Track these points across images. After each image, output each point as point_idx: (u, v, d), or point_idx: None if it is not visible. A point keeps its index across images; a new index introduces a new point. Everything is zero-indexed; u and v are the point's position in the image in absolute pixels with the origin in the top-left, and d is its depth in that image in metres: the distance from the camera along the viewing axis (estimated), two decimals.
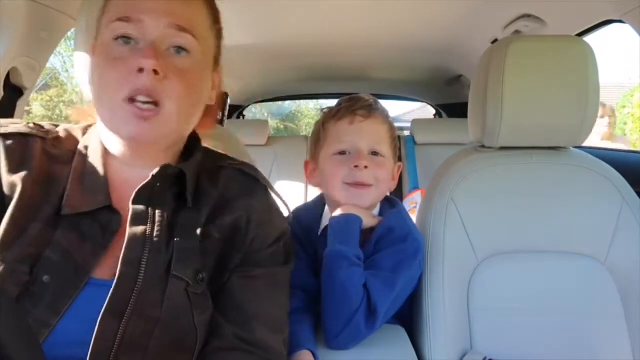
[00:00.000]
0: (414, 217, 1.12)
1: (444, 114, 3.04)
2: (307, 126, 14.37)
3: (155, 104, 0.64)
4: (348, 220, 0.99)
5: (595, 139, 2.95)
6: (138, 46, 0.64)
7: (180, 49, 0.66)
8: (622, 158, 2.05)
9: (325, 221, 1.05)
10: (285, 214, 0.81)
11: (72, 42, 1.05)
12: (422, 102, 3.26)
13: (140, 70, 0.62)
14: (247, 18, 1.81)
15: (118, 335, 0.59)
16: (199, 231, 0.68)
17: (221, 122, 1.43)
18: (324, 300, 0.93)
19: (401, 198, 2.37)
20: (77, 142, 0.73)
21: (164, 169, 0.67)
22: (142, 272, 0.62)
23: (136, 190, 0.66)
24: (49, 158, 0.68)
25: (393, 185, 1.09)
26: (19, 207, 0.63)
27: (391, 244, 0.99)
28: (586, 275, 1.04)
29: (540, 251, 1.06)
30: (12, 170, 0.65)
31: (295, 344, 0.84)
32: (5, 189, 0.64)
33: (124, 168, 0.70)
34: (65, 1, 1.20)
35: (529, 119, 1.05)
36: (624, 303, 1.03)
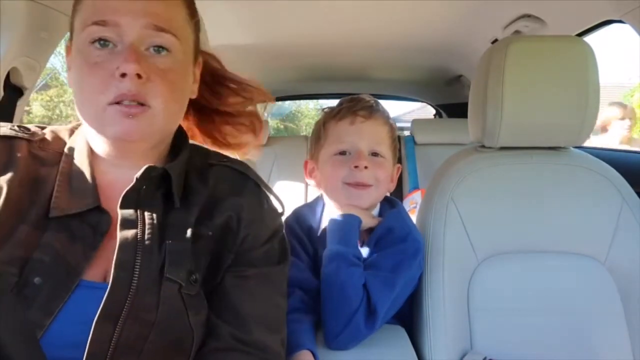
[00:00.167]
0: (414, 217, 1.12)
1: (444, 114, 3.04)
2: (307, 126, 14.38)
3: (141, 104, 0.63)
4: (347, 220, 0.99)
5: (612, 143, 2.71)
6: (116, 49, 0.63)
7: (160, 48, 0.65)
8: (622, 158, 2.05)
9: (325, 221, 1.05)
10: (279, 210, 0.80)
11: None
12: (422, 102, 3.25)
13: (123, 75, 0.61)
14: (247, 18, 1.81)
15: (113, 339, 0.59)
16: (189, 232, 0.68)
17: None
18: (324, 300, 0.93)
19: (401, 198, 2.36)
20: (63, 143, 0.72)
21: (148, 171, 0.66)
22: (136, 276, 0.62)
23: (122, 194, 0.65)
24: (35, 160, 0.68)
25: (392, 186, 1.09)
26: (5, 209, 0.62)
27: (391, 244, 0.99)
28: (586, 275, 1.04)
29: (540, 251, 1.06)
30: None
31: (295, 344, 0.84)
32: None
33: (110, 169, 0.70)
34: (65, 1, 1.20)
35: (529, 119, 1.05)
36: (624, 303, 1.03)
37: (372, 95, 1.11)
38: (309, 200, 1.20)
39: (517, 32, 1.66)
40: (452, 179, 1.08)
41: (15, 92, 1.21)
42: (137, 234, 0.64)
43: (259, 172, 0.80)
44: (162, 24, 0.65)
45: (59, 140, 0.72)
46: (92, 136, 0.69)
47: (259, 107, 0.90)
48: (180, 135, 0.76)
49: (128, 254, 0.63)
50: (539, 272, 1.04)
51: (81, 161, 0.69)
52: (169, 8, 0.67)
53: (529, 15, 1.57)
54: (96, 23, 0.63)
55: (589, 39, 1.51)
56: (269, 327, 0.71)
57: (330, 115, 1.08)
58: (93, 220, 0.65)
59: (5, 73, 1.14)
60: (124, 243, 0.63)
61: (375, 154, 1.04)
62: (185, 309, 0.65)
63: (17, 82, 1.20)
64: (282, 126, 14.57)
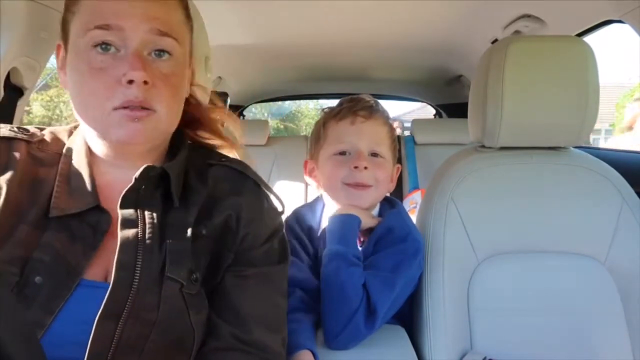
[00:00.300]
0: (414, 217, 1.12)
1: (444, 114, 3.04)
2: (307, 126, 14.37)
3: (145, 108, 0.64)
4: (347, 220, 0.99)
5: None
6: (119, 54, 0.63)
7: (161, 51, 0.66)
8: (622, 158, 2.05)
9: (325, 221, 1.05)
10: (280, 209, 0.80)
11: None
12: (422, 102, 3.25)
13: (130, 82, 0.62)
14: (247, 18, 1.81)
15: (114, 338, 0.59)
16: (189, 231, 0.68)
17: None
18: (324, 300, 0.93)
19: (401, 198, 2.36)
20: (62, 144, 0.72)
21: (146, 171, 0.67)
22: (137, 275, 0.62)
23: (122, 194, 0.65)
24: (34, 161, 0.68)
25: (391, 187, 1.09)
26: (4, 210, 0.62)
27: (391, 244, 0.99)
28: (586, 275, 1.04)
29: (540, 251, 1.06)
30: None
31: (295, 344, 0.84)
32: None
33: (109, 169, 0.70)
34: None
35: (529, 119, 1.05)
36: (624, 303, 1.03)
37: (372, 95, 1.11)
38: (309, 200, 1.20)
39: (517, 32, 1.66)
40: (452, 179, 1.08)
41: (15, 92, 1.21)
42: (137, 233, 0.64)
43: (259, 172, 0.80)
44: (163, 28, 0.65)
45: (57, 141, 0.73)
46: (91, 138, 0.69)
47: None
48: (178, 135, 0.76)
49: (129, 254, 0.63)
50: (539, 272, 1.04)
51: (80, 161, 0.69)
52: (168, 11, 0.67)
53: (529, 15, 1.57)
54: (99, 27, 0.62)
55: (589, 39, 1.51)
56: (269, 327, 0.72)
57: (330, 116, 1.08)
58: (93, 220, 0.66)
59: (5, 73, 1.14)
60: (125, 243, 0.63)
61: (375, 155, 1.04)
62: (186, 308, 0.65)
63: (17, 82, 1.20)
64: (282, 126, 14.58)
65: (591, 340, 1.01)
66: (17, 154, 0.67)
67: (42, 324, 0.59)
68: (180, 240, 0.67)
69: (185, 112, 0.74)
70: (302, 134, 7.51)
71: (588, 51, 1.03)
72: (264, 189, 0.78)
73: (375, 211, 1.09)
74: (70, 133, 0.74)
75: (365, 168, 1.01)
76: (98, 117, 0.64)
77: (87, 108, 0.65)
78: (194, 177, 0.74)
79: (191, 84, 0.77)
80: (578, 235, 1.06)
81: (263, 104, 6.14)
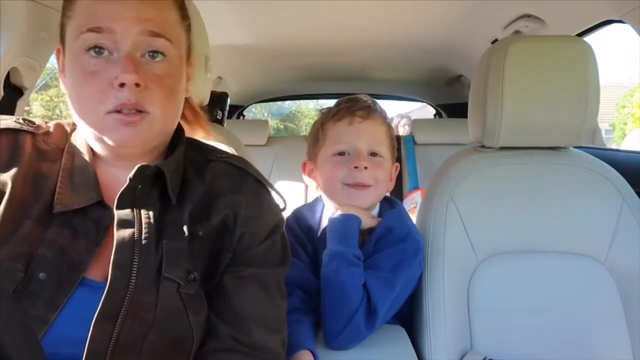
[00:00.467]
0: (413, 217, 1.12)
1: (444, 114, 3.04)
2: (307, 126, 14.37)
3: (139, 111, 0.64)
4: (346, 220, 0.99)
5: None
6: (112, 57, 0.63)
7: (155, 53, 0.66)
8: (622, 158, 2.05)
9: (324, 221, 1.05)
10: (281, 205, 0.79)
11: None
12: (422, 102, 3.26)
13: (122, 85, 0.62)
14: (247, 18, 1.81)
15: (112, 338, 0.60)
16: (186, 229, 0.68)
17: (221, 122, 1.43)
18: (324, 300, 0.93)
19: (401, 198, 2.37)
20: (67, 137, 0.72)
21: (141, 170, 0.66)
22: (134, 275, 0.62)
23: (118, 195, 0.65)
24: (38, 155, 0.68)
25: (390, 186, 1.09)
26: (9, 205, 0.62)
27: (391, 244, 0.99)
28: (586, 275, 1.04)
29: (540, 251, 1.06)
30: (2, 168, 0.65)
31: (295, 344, 0.84)
32: None
33: (109, 168, 0.70)
34: None
35: (529, 118, 1.05)
36: (624, 303, 1.03)
37: (372, 95, 1.11)
38: (309, 200, 1.20)
39: (517, 32, 1.66)
40: (452, 179, 1.08)
41: (15, 92, 1.21)
42: (134, 233, 0.64)
43: None
44: (156, 29, 0.65)
45: (62, 135, 0.73)
46: (90, 139, 0.69)
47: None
48: (176, 132, 0.76)
49: (125, 254, 0.63)
50: (539, 272, 1.04)
51: (82, 158, 0.69)
52: (161, 12, 0.67)
53: (529, 15, 1.57)
54: (91, 30, 0.63)
55: (589, 39, 1.51)
56: (269, 328, 0.71)
57: (328, 116, 1.08)
58: (95, 216, 0.66)
59: (5, 73, 1.14)
60: (121, 243, 0.63)
61: (374, 154, 1.04)
62: (184, 309, 0.65)
63: (17, 82, 1.20)
64: (282, 126, 14.58)
65: (591, 340, 1.01)
66: (22, 147, 0.67)
67: (46, 320, 0.59)
68: (177, 239, 0.67)
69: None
70: (302, 134, 7.51)
71: (588, 51, 1.03)
72: (264, 185, 0.77)
73: (375, 211, 1.09)
74: (75, 126, 0.74)
75: (365, 168, 1.01)
76: (93, 120, 0.64)
77: (83, 111, 0.65)
78: (192, 174, 0.73)
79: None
80: (578, 235, 1.06)
81: (263, 104, 6.15)
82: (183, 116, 0.80)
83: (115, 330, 0.60)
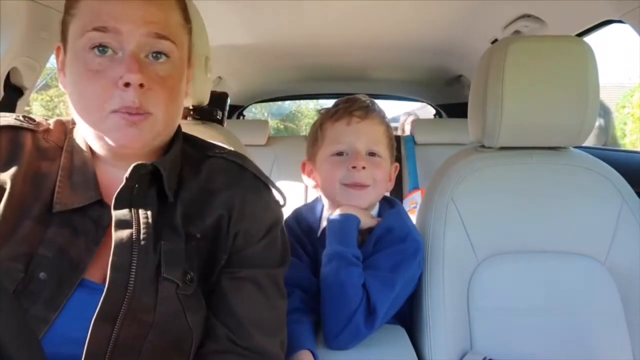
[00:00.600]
0: (413, 217, 1.12)
1: (444, 114, 3.04)
2: (307, 126, 14.35)
3: (142, 112, 0.64)
4: (346, 220, 0.99)
5: None
6: (117, 56, 0.63)
7: (158, 54, 0.66)
8: (622, 158, 2.05)
9: (324, 222, 1.05)
10: (281, 202, 0.78)
11: None
12: (422, 102, 3.26)
13: (127, 84, 0.62)
14: (247, 18, 1.81)
15: (111, 340, 0.59)
16: (181, 228, 0.68)
17: (221, 122, 1.43)
18: (323, 300, 0.93)
19: (401, 198, 2.36)
20: (65, 136, 0.72)
21: (137, 169, 0.66)
22: (133, 277, 0.62)
23: (115, 195, 0.65)
24: (38, 153, 0.68)
25: (390, 185, 1.09)
26: (8, 205, 0.62)
27: (390, 244, 0.99)
28: (586, 275, 1.04)
29: (540, 251, 1.06)
30: (1, 166, 0.64)
31: (295, 344, 0.84)
32: None
33: (108, 168, 0.70)
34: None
35: (529, 118, 1.05)
36: (624, 303, 1.03)
37: (372, 95, 1.11)
38: (309, 200, 1.20)
39: (517, 32, 1.66)
40: (452, 179, 1.08)
41: (15, 92, 1.21)
42: (132, 234, 0.64)
43: None
44: (161, 31, 0.65)
45: (62, 132, 0.72)
46: (90, 138, 0.69)
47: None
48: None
49: (124, 255, 0.63)
50: (539, 272, 1.04)
51: (81, 157, 0.69)
52: (166, 14, 0.67)
53: (529, 15, 1.57)
54: (96, 29, 0.62)
55: (589, 39, 1.51)
56: (267, 331, 0.71)
57: (326, 117, 1.08)
58: (95, 215, 0.66)
59: (5, 73, 1.14)
60: (119, 244, 0.63)
61: (372, 154, 1.04)
62: (182, 310, 0.65)
63: (17, 82, 1.20)
64: (282, 126, 14.57)
65: (591, 340, 1.01)
66: (22, 145, 0.67)
67: (47, 320, 0.59)
68: (174, 239, 0.67)
69: None
70: (302, 134, 7.51)
71: (588, 51, 1.03)
72: (263, 181, 0.77)
73: (375, 211, 1.09)
74: (75, 123, 0.74)
75: (363, 168, 1.01)
76: (95, 119, 0.64)
77: (85, 110, 0.65)
78: (187, 171, 0.73)
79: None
80: (578, 235, 1.06)
81: (263, 104, 6.14)
82: None
83: (114, 331, 0.60)
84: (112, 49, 0.63)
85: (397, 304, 0.98)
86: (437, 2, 1.64)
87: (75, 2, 0.66)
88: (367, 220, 1.03)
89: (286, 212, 0.83)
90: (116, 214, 0.65)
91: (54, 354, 0.49)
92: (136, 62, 0.63)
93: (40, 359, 0.43)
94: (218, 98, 1.46)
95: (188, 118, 1.29)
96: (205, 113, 1.29)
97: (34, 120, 0.71)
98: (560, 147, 1.13)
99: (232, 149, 0.81)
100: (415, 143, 2.57)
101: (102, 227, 0.65)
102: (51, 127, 0.72)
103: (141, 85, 0.62)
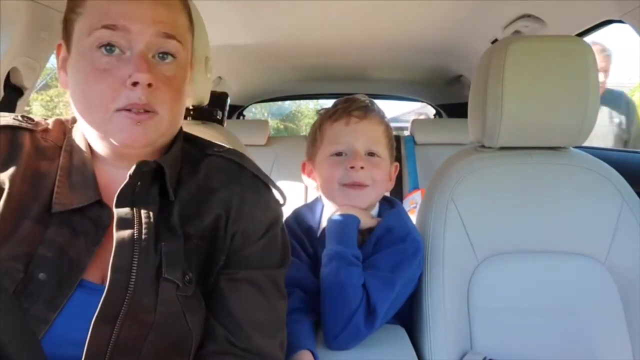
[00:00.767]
0: (413, 217, 1.12)
1: (444, 114, 3.04)
2: (307, 126, 14.34)
3: (148, 111, 0.64)
4: (345, 220, 0.99)
5: None
6: (124, 56, 0.63)
7: (165, 54, 0.66)
8: (622, 158, 2.04)
9: (324, 222, 1.05)
10: (280, 201, 0.78)
11: None
12: (422, 102, 3.26)
13: (135, 84, 0.62)
14: (247, 18, 1.81)
15: (111, 340, 0.59)
16: (179, 228, 0.67)
17: (221, 122, 1.43)
18: (323, 300, 0.93)
19: (401, 198, 2.36)
20: (64, 135, 0.72)
21: (139, 166, 0.66)
22: (133, 277, 0.62)
23: (117, 193, 0.65)
24: (37, 152, 0.68)
25: (390, 185, 1.09)
26: (7, 205, 0.62)
27: (390, 244, 0.99)
28: (586, 275, 1.04)
29: (540, 251, 1.06)
30: (0, 167, 0.64)
31: (295, 344, 0.84)
32: None
33: (109, 167, 0.70)
34: (66, 1, 1.20)
35: (529, 118, 1.05)
36: (624, 303, 1.03)
37: (372, 95, 1.11)
38: (309, 200, 1.20)
39: (517, 32, 1.66)
40: (452, 179, 1.08)
41: (15, 92, 1.21)
42: (133, 234, 0.64)
43: None
44: (169, 31, 0.65)
45: (61, 132, 0.72)
46: (91, 137, 0.69)
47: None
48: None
49: (125, 256, 0.62)
50: (539, 272, 1.04)
51: (81, 156, 0.69)
52: (174, 15, 0.67)
53: (529, 15, 1.57)
54: (106, 27, 0.62)
55: (589, 39, 1.51)
56: (266, 332, 0.71)
57: (325, 117, 1.08)
58: (94, 215, 0.65)
59: (5, 73, 1.14)
60: (121, 244, 0.63)
61: (371, 154, 1.04)
62: (182, 311, 0.65)
63: (17, 82, 1.20)
64: (282, 126, 14.56)
65: (591, 340, 1.01)
66: (21, 145, 0.67)
67: (46, 320, 0.59)
68: (173, 240, 0.67)
69: None
70: (302, 134, 7.50)
71: (588, 51, 1.03)
72: (262, 180, 0.76)
73: (375, 211, 1.09)
74: (74, 121, 0.74)
75: (362, 168, 1.01)
76: (100, 118, 0.64)
77: (90, 109, 0.65)
78: (186, 170, 0.73)
79: None
80: (578, 235, 1.06)
81: (263, 104, 6.14)
82: None
83: (114, 332, 0.60)
84: (119, 48, 0.63)
85: (397, 304, 0.98)
86: (437, 2, 1.64)
87: (82, 1, 0.65)
88: (367, 220, 1.03)
89: (286, 212, 0.83)
90: (118, 213, 0.65)
91: (54, 355, 0.49)
92: (145, 61, 0.63)
93: (40, 359, 0.43)
94: (218, 98, 1.46)
95: (188, 118, 1.29)
96: (205, 113, 1.29)
97: (33, 120, 0.71)
98: (560, 147, 1.13)
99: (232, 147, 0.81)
100: (415, 143, 2.57)
101: (102, 227, 0.65)
102: (50, 126, 0.72)
103: (149, 85, 0.62)
